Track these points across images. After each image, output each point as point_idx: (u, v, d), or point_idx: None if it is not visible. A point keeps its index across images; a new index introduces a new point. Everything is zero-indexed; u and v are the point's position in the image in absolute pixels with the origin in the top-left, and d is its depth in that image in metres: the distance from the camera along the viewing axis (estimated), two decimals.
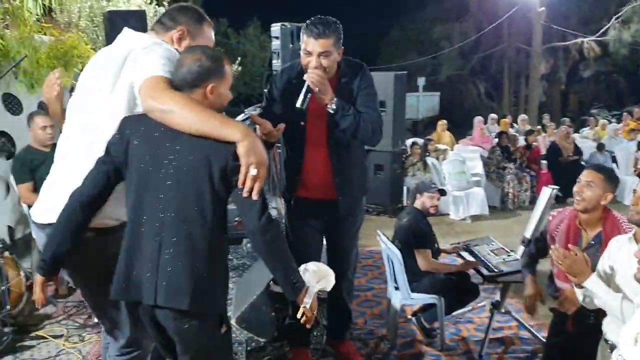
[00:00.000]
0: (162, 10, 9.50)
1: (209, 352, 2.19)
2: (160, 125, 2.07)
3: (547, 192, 4.14)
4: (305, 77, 2.95)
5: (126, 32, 2.42)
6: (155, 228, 2.06)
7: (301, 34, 3.08)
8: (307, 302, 2.18)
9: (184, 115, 1.99)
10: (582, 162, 9.21)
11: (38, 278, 2.27)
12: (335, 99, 3.00)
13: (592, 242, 2.96)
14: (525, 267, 3.44)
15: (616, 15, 17.72)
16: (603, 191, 2.90)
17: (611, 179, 2.95)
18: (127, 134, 2.12)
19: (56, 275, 2.35)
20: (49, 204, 2.32)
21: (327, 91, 2.97)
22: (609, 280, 2.54)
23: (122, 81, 2.24)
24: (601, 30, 16.19)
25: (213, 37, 2.54)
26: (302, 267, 2.27)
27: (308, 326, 2.25)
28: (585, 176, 2.95)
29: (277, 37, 5.88)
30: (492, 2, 19.43)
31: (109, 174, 2.18)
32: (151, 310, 2.10)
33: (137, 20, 5.27)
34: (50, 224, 2.27)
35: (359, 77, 3.22)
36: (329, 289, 2.34)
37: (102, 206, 2.22)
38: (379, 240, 4.26)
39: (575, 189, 2.97)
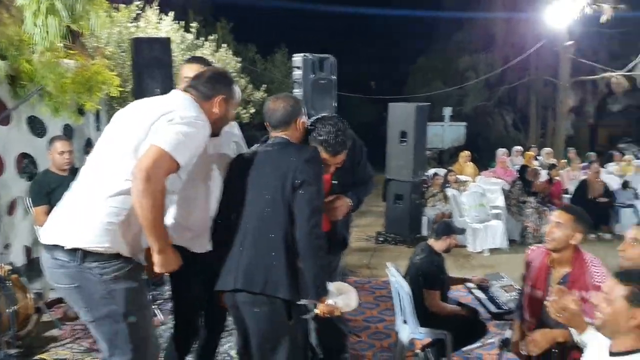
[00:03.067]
0: (189, 36, 9.65)
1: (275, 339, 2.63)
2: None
3: None
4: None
5: (173, 94, 2.57)
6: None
7: (318, 145, 2.96)
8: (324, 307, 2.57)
9: (144, 208, 2.21)
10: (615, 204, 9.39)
11: None
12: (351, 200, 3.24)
13: (561, 281, 2.98)
14: (517, 308, 3.42)
15: None
16: (572, 231, 2.95)
17: (581, 219, 2.99)
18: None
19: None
20: (48, 227, 2.43)
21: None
22: None
23: (144, 149, 2.30)
24: (629, 66, 15.98)
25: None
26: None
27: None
28: (555, 216, 3.02)
29: (298, 67, 5.95)
30: (519, 34, 19.33)
31: None
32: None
33: (161, 48, 5.44)
34: (45, 245, 2.40)
35: (353, 150, 3.31)
36: (352, 306, 2.67)
37: None
38: (388, 273, 4.24)
39: (546, 228, 3.04)
